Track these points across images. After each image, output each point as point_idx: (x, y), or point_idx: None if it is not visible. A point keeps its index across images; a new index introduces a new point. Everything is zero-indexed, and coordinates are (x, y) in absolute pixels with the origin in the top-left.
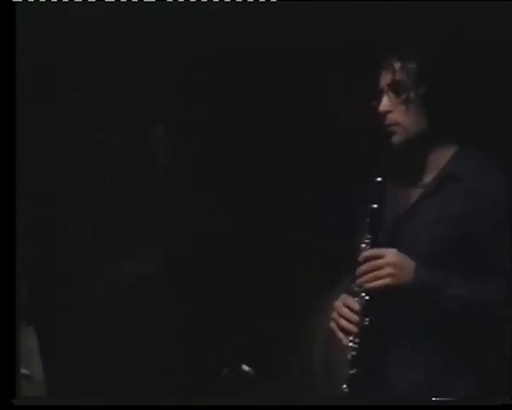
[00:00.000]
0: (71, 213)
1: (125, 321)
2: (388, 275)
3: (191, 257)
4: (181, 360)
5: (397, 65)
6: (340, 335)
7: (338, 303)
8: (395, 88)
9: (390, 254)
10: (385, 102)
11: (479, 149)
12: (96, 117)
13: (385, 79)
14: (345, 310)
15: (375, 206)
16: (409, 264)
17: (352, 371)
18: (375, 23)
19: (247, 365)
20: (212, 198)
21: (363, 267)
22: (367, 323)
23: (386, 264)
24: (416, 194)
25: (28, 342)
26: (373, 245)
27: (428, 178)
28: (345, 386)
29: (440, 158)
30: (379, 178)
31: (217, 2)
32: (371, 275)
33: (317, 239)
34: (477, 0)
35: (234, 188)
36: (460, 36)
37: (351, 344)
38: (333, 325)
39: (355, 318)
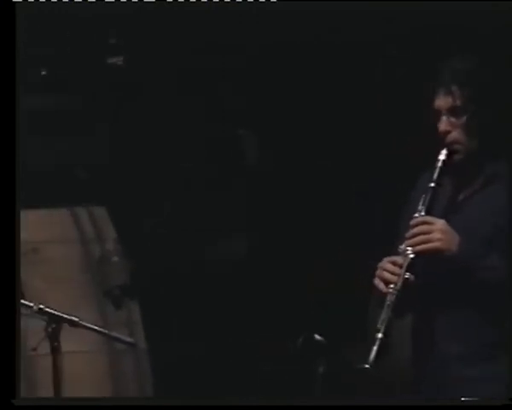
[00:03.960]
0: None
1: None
2: (438, 239)
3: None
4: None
5: (455, 90)
6: (381, 285)
7: (383, 261)
8: (455, 111)
9: (440, 222)
10: (444, 123)
11: None
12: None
13: (444, 103)
14: (388, 265)
15: (433, 185)
16: (455, 234)
17: (389, 316)
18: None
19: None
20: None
21: (415, 230)
22: (408, 277)
23: (436, 230)
24: (465, 192)
25: (132, 314)
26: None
27: (478, 176)
28: (380, 335)
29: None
30: (442, 156)
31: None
32: (422, 237)
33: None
34: None
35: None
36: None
37: (390, 290)
38: (376, 280)
39: (397, 270)
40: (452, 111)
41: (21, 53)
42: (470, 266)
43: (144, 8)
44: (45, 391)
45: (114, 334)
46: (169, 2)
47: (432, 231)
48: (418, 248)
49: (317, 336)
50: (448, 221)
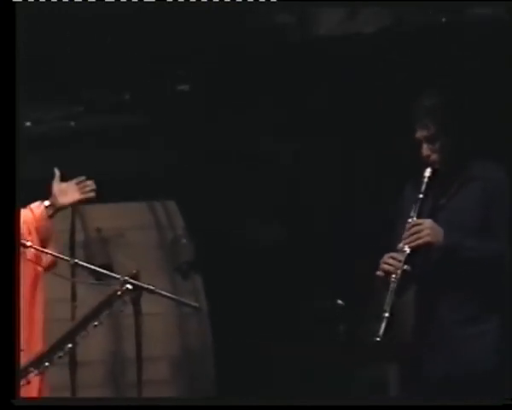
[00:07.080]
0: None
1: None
2: (427, 234)
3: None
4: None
5: (429, 123)
6: (383, 275)
7: (384, 257)
8: (431, 139)
9: (428, 221)
10: (425, 149)
11: (489, 159)
12: None
13: (421, 134)
14: (390, 259)
15: (421, 196)
16: (440, 229)
17: (392, 299)
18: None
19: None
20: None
21: (410, 231)
22: (405, 268)
23: (425, 227)
24: (445, 197)
25: (197, 284)
26: None
27: (454, 182)
28: (386, 314)
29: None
30: (427, 173)
31: None
32: (416, 235)
33: None
34: None
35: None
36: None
37: (392, 279)
38: (379, 271)
39: (396, 263)
40: (429, 139)
41: (21, 53)
42: (454, 249)
43: (145, 8)
44: (129, 343)
45: (183, 300)
46: (169, 2)
47: (422, 229)
48: (413, 243)
49: (339, 301)
50: (434, 220)
